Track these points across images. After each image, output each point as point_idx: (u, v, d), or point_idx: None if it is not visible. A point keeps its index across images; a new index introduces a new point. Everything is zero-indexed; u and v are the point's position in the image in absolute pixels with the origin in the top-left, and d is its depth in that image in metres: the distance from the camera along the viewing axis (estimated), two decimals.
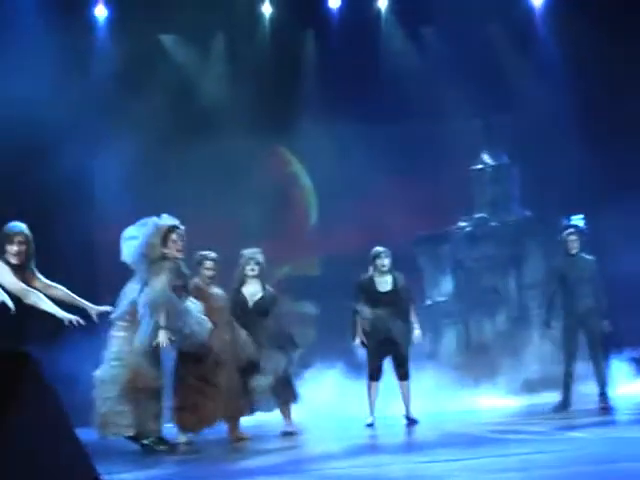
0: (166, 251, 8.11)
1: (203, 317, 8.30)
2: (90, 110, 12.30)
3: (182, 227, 8.28)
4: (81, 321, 7.20)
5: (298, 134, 13.46)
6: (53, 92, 11.49)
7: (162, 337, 7.92)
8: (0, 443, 2.99)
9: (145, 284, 8.07)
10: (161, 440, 8.09)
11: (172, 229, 8.20)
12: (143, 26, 12.76)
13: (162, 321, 7.95)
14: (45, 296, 7.06)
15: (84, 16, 13.11)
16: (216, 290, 8.81)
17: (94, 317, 7.46)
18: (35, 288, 7.15)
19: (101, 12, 13.26)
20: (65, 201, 11.42)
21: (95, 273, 12.35)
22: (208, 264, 8.81)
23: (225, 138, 12.87)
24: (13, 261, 7.14)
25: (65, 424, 3.47)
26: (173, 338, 8.02)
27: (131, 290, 8.20)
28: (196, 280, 8.69)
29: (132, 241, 8.20)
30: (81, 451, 3.51)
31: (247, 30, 13.65)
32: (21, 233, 7.23)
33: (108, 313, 7.76)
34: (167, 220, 8.22)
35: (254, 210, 12.56)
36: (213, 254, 8.87)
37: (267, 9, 13.79)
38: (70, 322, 7.13)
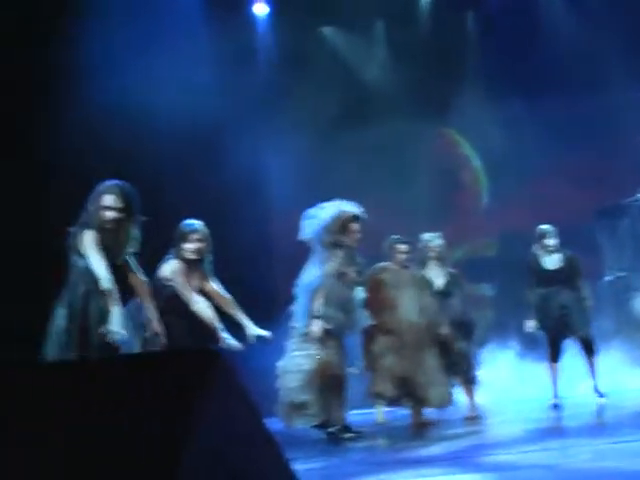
0: (343, 239, 8.09)
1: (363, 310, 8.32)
2: (256, 105, 12.51)
3: (365, 217, 8.24)
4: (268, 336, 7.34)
5: (464, 115, 13.32)
6: (220, 89, 11.79)
7: (315, 326, 7.91)
8: (192, 438, 3.07)
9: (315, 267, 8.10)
10: (346, 428, 8.14)
11: (354, 218, 8.16)
12: (303, 20, 12.95)
13: (315, 309, 7.97)
14: (211, 303, 7.18)
15: (245, 13, 13.35)
16: (408, 273, 8.83)
17: (251, 338, 7.35)
18: (205, 292, 7.24)
19: (261, 9, 13.48)
20: (239, 196, 11.62)
21: (272, 266, 12.54)
22: (402, 248, 8.83)
23: (390, 124, 12.86)
24: (191, 257, 7.24)
25: (255, 418, 3.55)
26: (329, 326, 8.03)
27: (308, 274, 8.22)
28: (388, 263, 8.72)
29: (313, 220, 8.20)
30: (273, 446, 3.58)
31: (406, 15, 13.61)
32: (198, 231, 7.31)
33: (265, 339, 7.56)
34: (351, 208, 8.17)
35: (425, 194, 12.50)
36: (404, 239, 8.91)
37: None
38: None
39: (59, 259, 6.52)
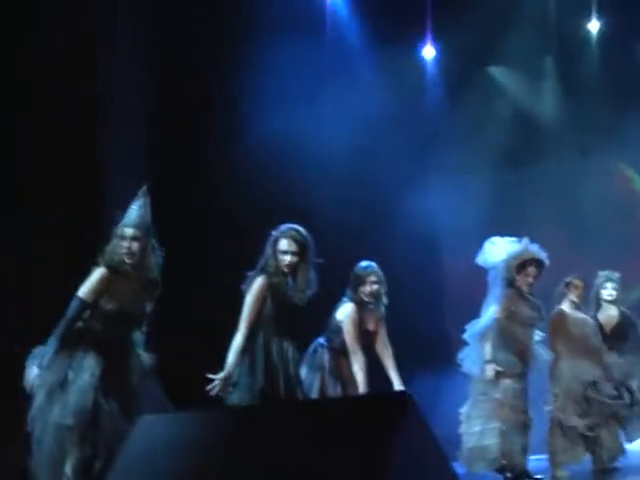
0: (517, 278, 8.01)
1: (541, 349, 8.13)
2: (424, 143, 12.59)
3: (546, 263, 8.09)
4: None
5: (636, 150, 13.01)
6: (388, 127, 11.92)
7: (488, 371, 7.79)
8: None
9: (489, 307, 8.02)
10: (525, 473, 8.00)
11: (535, 262, 8.02)
12: (470, 61, 12.96)
13: (487, 353, 7.83)
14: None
15: (413, 57, 13.46)
16: (582, 316, 8.63)
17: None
18: (374, 335, 7.25)
19: (429, 52, 13.55)
20: (411, 241, 11.63)
21: (443, 310, 12.47)
22: (579, 286, 8.61)
23: (563, 159, 12.71)
24: (367, 299, 7.27)
25: (444, 462, 3.58)
26: (500, 369, 7.85)
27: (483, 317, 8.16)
28: (562, 306, 8.54)
29: (496, 249, 8.10)
30: None
31: (575, 49, 13.43)
32: (375, 273, 7.36)
33: None
34: (536, 251, 8.06)
35: (600, 230, 12.22)
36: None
37: (594, 26, 13.49)
38: None
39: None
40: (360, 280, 7.29)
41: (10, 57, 8.91)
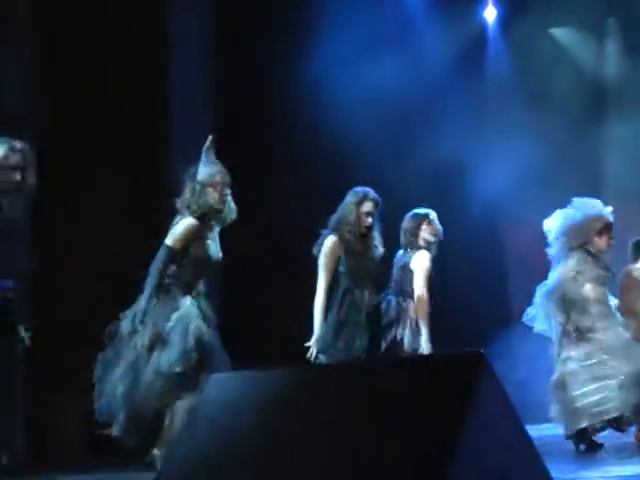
0: (596, 240, 7.78)
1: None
2: (488, 109, 12.50)
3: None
4: None
5: None
6: (448, 89, 11.86)
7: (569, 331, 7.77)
8: (463, 438, 3.14)
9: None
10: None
11: (610, 225, 7.90)
12: (533, 22, 12.81)
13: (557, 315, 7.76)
14: None
15: (475, 18, 13.35)
16: None
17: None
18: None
19: (491, 13, 13.43)
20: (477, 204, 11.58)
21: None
22: None
23: (628, 120, 12.52)
24: (432, 240, 7.34)
25: (517, 422, 3.59)
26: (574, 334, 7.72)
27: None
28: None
29: (569, 212, 8.00)
30: (533, 450, 3.61)
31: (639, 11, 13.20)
32: (427, 215, 7.38)
33: None
34: (609, 215, 7.95)
35: None
36: None
37: None
38: None
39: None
40: (418, 226, 7.18)
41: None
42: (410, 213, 7.32)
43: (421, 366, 3.55)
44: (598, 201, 8.01)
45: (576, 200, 8.02)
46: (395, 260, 7.23)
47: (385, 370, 3.47)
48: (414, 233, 7.17)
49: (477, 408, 3.21)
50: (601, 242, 7.79)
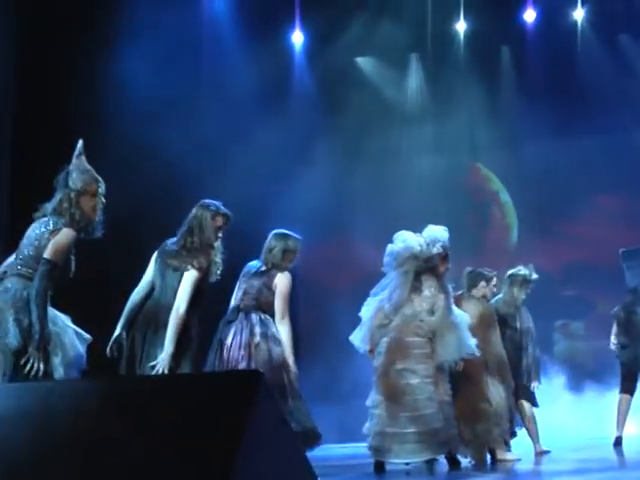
0: (440, 265, 7.77)
1: None
2: (289, 130, 12.62)
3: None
4: None
5: (495, 150, 13.38)
6: (254, 115, 11.90)
7: None
8: (236, 456, 3.11)
9: None
10: None
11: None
12: (338, 50, 13.09)
13: None
14: None
15: (282, 42, 13.50)
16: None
17: None
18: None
19: (298, 38, 13.62)
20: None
21: None
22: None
23: (422, 156, 12.93)
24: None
25: (290, 439, 3.60)
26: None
27: None
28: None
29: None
30: (305, 465, 3.63)
31: (442, 48, 13.69)
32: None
33: None
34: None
35: (456, 228, 12.48)
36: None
37: (461, 26, 13.78)
38: None
39: None
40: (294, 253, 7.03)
41: None
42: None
43: (198, 383, 3.49)
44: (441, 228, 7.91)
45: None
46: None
47: (160, 387, 3.39)
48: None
49: (253, 427, 3.19)
50: (442, 267, 7.74)
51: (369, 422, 7.30)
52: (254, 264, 7.05)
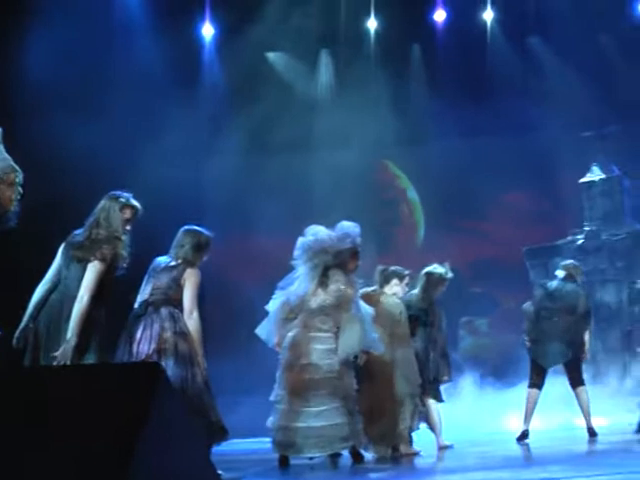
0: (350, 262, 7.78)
1: None
2: (198, 123, 12.55)
3: None
4: None
5: (405, 148, 13.48)
6: (163, 106, 11.80)
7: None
8: (136, 447, 3.07)
9: None
10: None
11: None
12: (248, 44, 13.04)
13: None
14: None
15: (192, 34, 13.41)
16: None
17: None
18: None
19: (208, 31, 13.54)
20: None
21: None
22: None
23: (330, 151, 12.95)
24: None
25: (190, 430, 3.58)
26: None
27: None
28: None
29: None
30: (204, 456, 3.61)
31: (352, 45, 13.75)
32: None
33: None
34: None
35: (365, 224, 12.53)
36: None
37: (372, 24, 13.86)
38: None
39: None
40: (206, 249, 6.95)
41: None
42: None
43: (98, 374, 3.43)
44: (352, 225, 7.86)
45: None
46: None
47: (58, 377, 3.34)
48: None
49: (152, 418, 3.15)
50: (353, 264, 7.73)
51: (273, 416, 7.30)
52: (163, 259, 6.96)
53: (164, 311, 6.66)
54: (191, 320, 6.65)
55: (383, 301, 8.16)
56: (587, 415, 9.14)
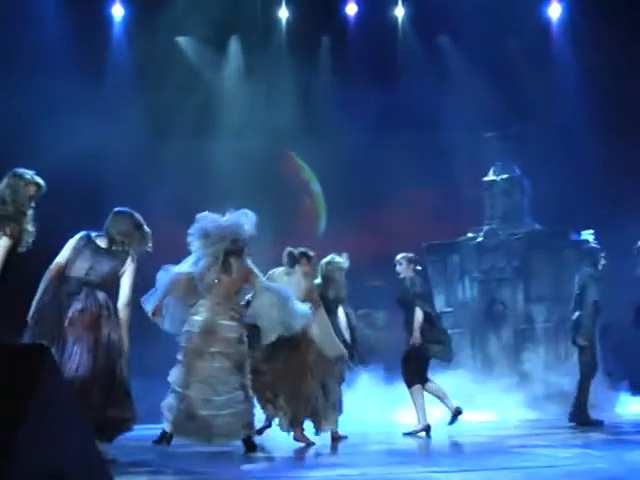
0: None
1: None
2: (104, 104, 12.38)
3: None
4: None
5: (310, 139, 13.47)
6: (70, 85, 11.61)
7: None
8: (18, 431, 3.02)
9: None
10: None
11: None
12: (159, 27, 12.90)
13: None
14: None
15: (101, 14, 13.21)
16: None
17: None
18: None
19: (118, 11, 13.35)
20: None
21: None
22: None
23: (236, 138, 12.89)
24: None
25: (76, 416, 3.53)
26: None
27: None
28: None
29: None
30: (89, 439, 3.59)
31: (263, 34, 13.70)
32: None
33: None
34: None
35: (267, 213, 12.52)
36: None
37: (284, 13, 13.84)
38: None
39: None
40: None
41: None
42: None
43: None
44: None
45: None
46: None
47: None
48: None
49: (38, 402, 3.10)
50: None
51: (173, 399, 7.24)
52: (101, 241, 6.80)
53: (100, 296, 6.60)
54: (126, 310, 6.64)
55: (294, 280, 8.24)
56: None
